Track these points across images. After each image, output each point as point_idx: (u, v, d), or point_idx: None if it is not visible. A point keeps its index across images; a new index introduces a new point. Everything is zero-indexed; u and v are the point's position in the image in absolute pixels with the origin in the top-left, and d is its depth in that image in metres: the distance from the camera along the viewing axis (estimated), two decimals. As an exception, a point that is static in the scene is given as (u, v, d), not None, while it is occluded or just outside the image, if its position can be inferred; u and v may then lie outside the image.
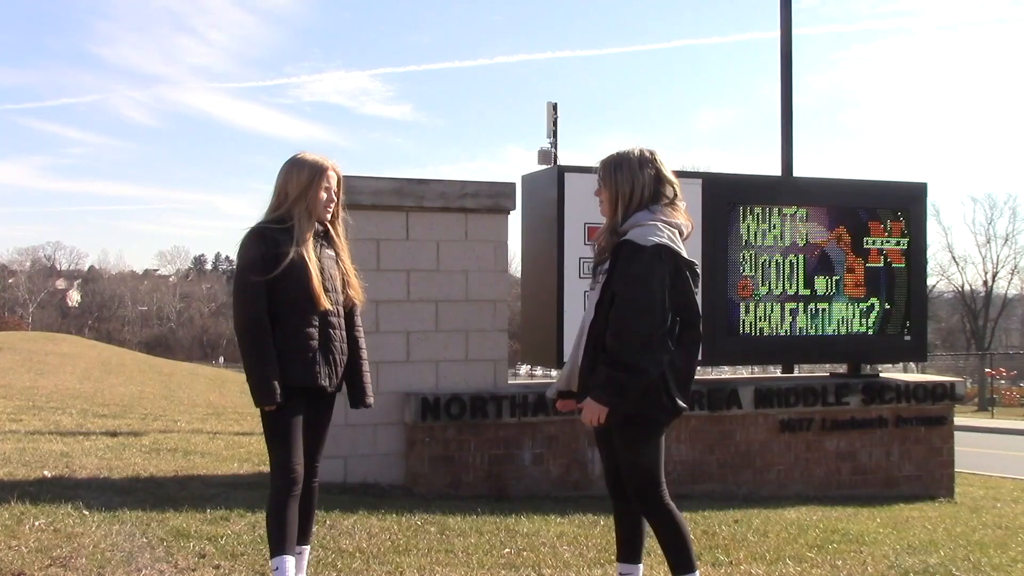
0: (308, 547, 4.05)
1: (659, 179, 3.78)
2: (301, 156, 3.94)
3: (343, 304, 3.97)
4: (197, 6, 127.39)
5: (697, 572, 3.74)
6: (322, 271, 3.85)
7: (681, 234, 3.75)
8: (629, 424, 3.67)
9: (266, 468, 7.52)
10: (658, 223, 3.67)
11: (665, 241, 3.63)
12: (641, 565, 3.95)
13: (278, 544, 3.71)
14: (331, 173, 3.92)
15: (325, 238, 3.97)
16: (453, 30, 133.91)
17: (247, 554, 4.59)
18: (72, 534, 4.73)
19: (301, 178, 3.87)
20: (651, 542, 3.94)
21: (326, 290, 3.85)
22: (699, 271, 3.84)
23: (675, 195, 3.80)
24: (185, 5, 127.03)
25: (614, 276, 3.63)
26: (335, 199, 3.95)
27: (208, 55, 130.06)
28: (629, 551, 3.92)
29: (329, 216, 3.96)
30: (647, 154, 3.80)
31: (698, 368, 4.00)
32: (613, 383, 3.57)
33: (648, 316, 3.54)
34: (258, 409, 3.78)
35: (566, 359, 4.04)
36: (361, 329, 4.10)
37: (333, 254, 3.98)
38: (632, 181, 3.74)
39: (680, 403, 3.70)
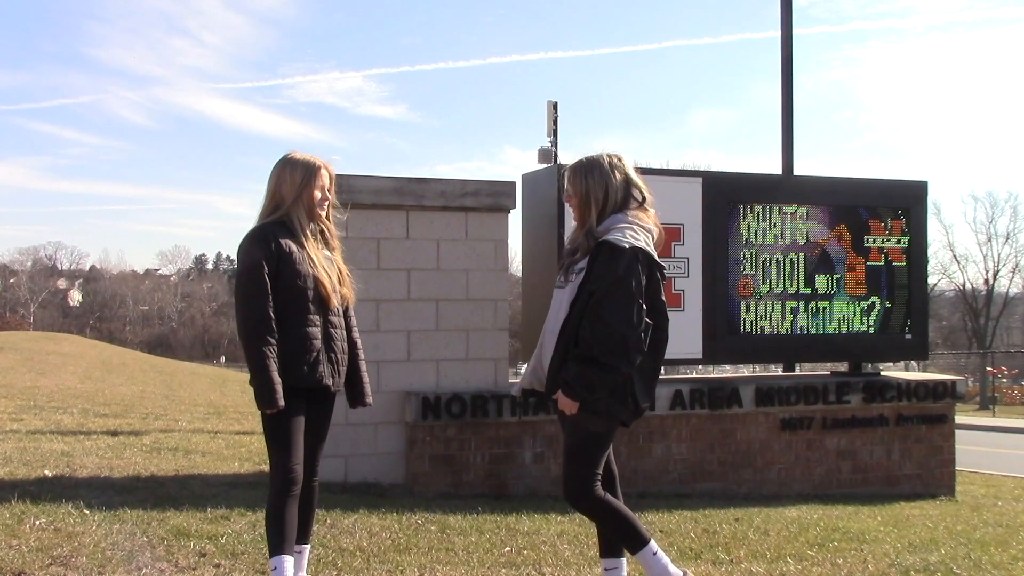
0: (308, 546, 4.05)
1: (628, 183, 3.89)
2: (292, 156, 3.92)
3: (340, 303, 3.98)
4: (190, 8, 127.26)
5: (652, 541, 3.82)
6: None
7: (652, 238, 3.85)
8: (588, 420, 3.74)
9: (267, 467, 7.52)
10: (633, 226, 3.78)
11: (641, 244, 3.74)
12: (624, 559, 3.99)
13: (277, 544, 3.72)
14: (324, 172, 3.91)
15: (320, 237, 3.97)
16: (445, 31, 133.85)
17: (247, 553, 4.59)
18: (73, 533, 4.74)
19: (295, 179, 3.86)
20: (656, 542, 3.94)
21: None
22: (665, 275, 3.92)
23: (643, 199, 3.91)
24: (178, 7, 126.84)
25: (591, 276, 3.71)
26: (329, 198, 3.95)
27: (202, 56, 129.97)
28: (612, 546, 3.97)
29: (324, 215, 3.96)
30: (615, 160, 3.92)
31: (697, 368, 4.09)
32: (584, 378, 3.66)
33: (625, 316, 3.64)
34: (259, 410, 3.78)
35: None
36: (356, 328, 4.10)
37: (329, 253, 3.98)
38: (605, 185, 3.85)
39: (642, 405, 3.80)
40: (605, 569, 3.97)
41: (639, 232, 3.77)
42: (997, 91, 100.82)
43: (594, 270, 3.70)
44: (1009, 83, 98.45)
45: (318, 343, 3.82)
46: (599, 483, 3.80)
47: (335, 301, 3.87)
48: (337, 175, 4.02)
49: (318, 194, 3.89)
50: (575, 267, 3.83)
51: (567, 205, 4.13)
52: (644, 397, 3.79)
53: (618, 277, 3.64)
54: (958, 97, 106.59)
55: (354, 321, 4.09)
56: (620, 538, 3.85)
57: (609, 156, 3.91)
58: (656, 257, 3.80)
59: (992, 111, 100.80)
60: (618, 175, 3.87)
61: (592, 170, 3.88)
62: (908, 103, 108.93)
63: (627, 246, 3.68)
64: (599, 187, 3.84)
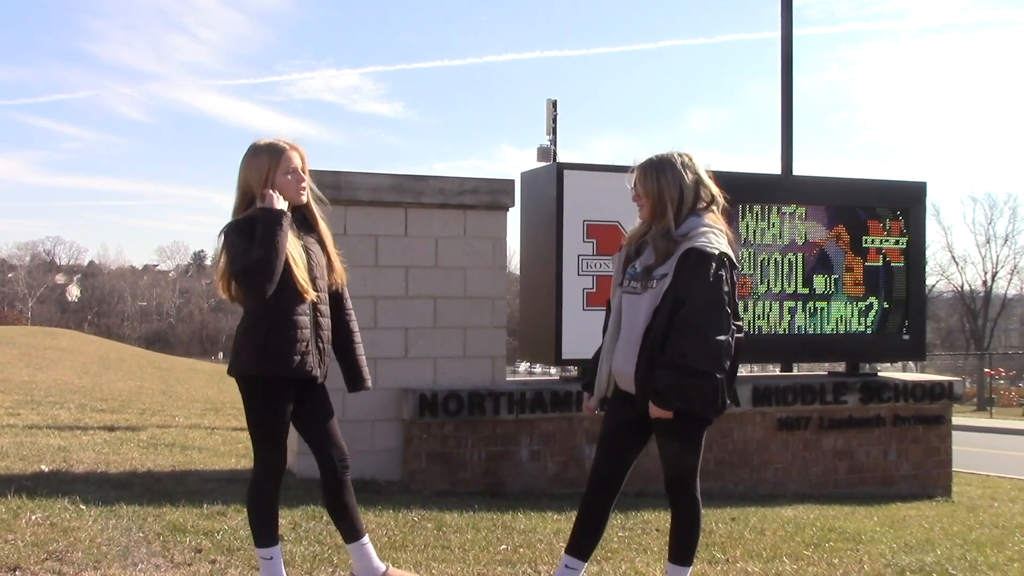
0: (367, 537, 4.00)
1: (698, 183, 3.79)
2: (256, 144, 3.78)
3: (329, 289, 3.88)
4: (187, 5, 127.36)
5: (690, 569, 3.81)
6: (309, 258, 3.76)
7: (729, 240, 3.80)
8: (681, 424, 3.69)
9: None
10: (714, 229, 3.72)
11: (726, 249, 3.70)
12: (586, 563, 3.96)
13: (270, 533, 3.73)
14: (291, 154, 3.75)
15: (303, 224, 3.84)
16: (441, 30, 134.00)
17: (243, 549, 4.58)
18: (68, 528, 4.73)
19: (260, 166, 3.71)
20: (647, 540, 3.94)
21: (314, 278, 3.75)
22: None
23: (712, 199, 3.82)
24: (175, 4, 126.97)
25: (680, 283, 3.63)
26: (303, 178, 3.79)
27: (200, 53, 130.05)
28: (583, 547, 3.93)
29: (304, 199, 3.81)
30: (687, 158, 3.81)
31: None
32: (680, 387, 3.60)
33: (718, 324, 3.61)
34: (243, 402, 3.77)
35: (582, 360, 4.07)
36: (351, 312, 4.01)
37: (316, 239, 3.86)
38: (680, 185, 3.75)
39: (729, 402, 3.77)
40: (566, 566, 3.91)
41: (720, 236, 3.72)
42: (996, 93, 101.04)
43: (682, 277, 3.62)
44: (1007, 85, 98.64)
45: (307, 332, 3.71)
46: (698, 482, 3.81)
47: (311, 293, 3.71)
48: (335, 172, 3.93)
49: (288, 178, 3.73)
50: (654, 273, 3.72)
51: (565, 205, 4.08)
52: (729, 396, 3.77)
53: (709, 284, 3.60)
54: (956, 99, 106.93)
55: (349, 304, 4.00)
56: (689, 545, 3.82)
57: (680, 155, 3.79)
58: (735, 259, 3.76)
59: (991, 113, 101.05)
60: (689, 174, 3.76)
61: (664, 169, 3.75)
62: (905, 104, 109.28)
63: (716, 252, 3.62)
64: (673, 187, 3.72)
